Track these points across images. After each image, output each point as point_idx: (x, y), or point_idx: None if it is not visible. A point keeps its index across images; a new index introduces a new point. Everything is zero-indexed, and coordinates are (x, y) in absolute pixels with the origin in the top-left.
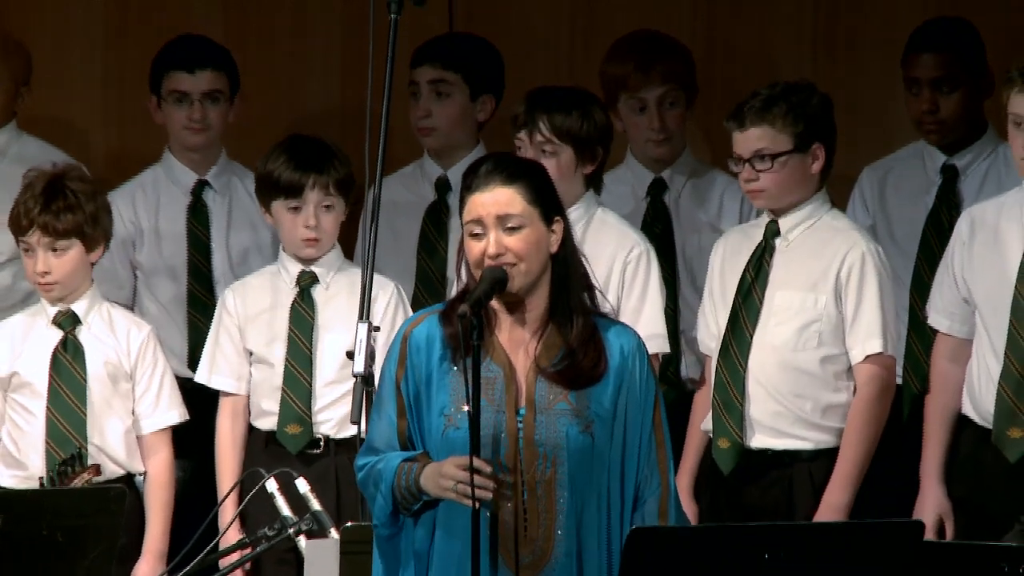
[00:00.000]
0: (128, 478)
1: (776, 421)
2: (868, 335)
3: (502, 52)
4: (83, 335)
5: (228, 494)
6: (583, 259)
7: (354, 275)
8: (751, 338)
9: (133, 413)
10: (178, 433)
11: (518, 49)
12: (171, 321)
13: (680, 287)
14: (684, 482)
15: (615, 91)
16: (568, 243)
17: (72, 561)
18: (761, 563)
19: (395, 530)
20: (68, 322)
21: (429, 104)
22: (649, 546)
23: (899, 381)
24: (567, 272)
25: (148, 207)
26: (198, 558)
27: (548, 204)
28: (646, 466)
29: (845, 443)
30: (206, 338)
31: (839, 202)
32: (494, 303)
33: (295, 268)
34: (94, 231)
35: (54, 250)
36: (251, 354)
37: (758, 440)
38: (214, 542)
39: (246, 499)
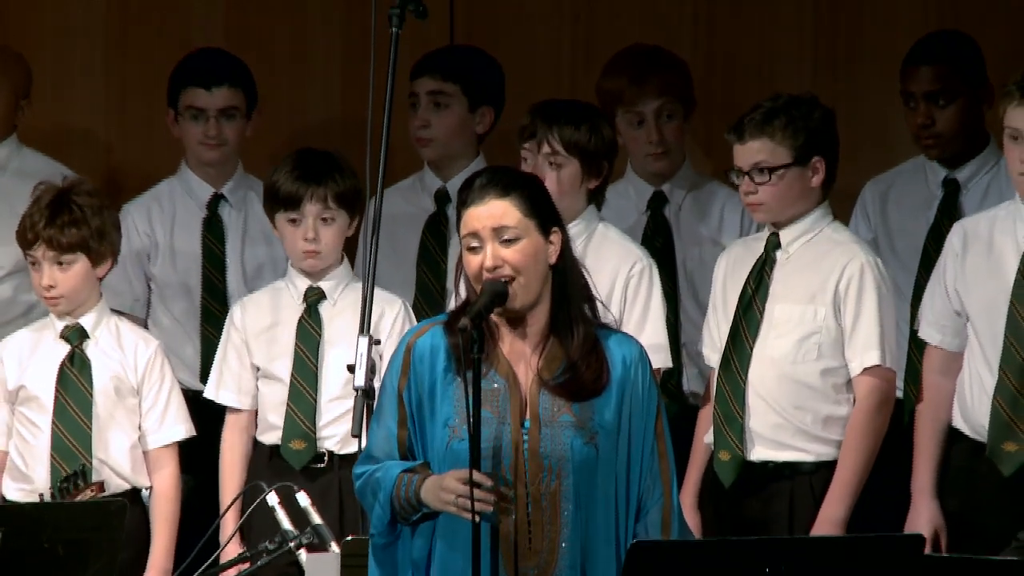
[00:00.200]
0: (134, 493)
1: (777, 433)
2: (866, 347)
3: (503, 65)
4: (90, 349)
5: (228, 507)
6: (583, 270)
7: (360, 291)
8: (751, 350)
9: (140, 428)
10: (187, 447)
11: (519, 62)
12: (184, 334)
13: (681, 300)
14: (688, 494)
15: (612, 106)
16: (567, 254)
17: (73, 574)
18: None
19: (392, 539)
20: (75, 336)
21: (427, 114)
22: (650, 560)
23: (899, 394)
24: (567, 283)
25: (163, 220)
26: (199, 572)
27: (544, 215)
28: (648, 476)
29: (843, 456)
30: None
31: (841, 215)
32: (495, 316)
33: (302, 284)
34: (100, 246)
35: (60, 264)
36: (258, 369)
37: (759, 452)
38: (214, 556)
39: (247, 513)
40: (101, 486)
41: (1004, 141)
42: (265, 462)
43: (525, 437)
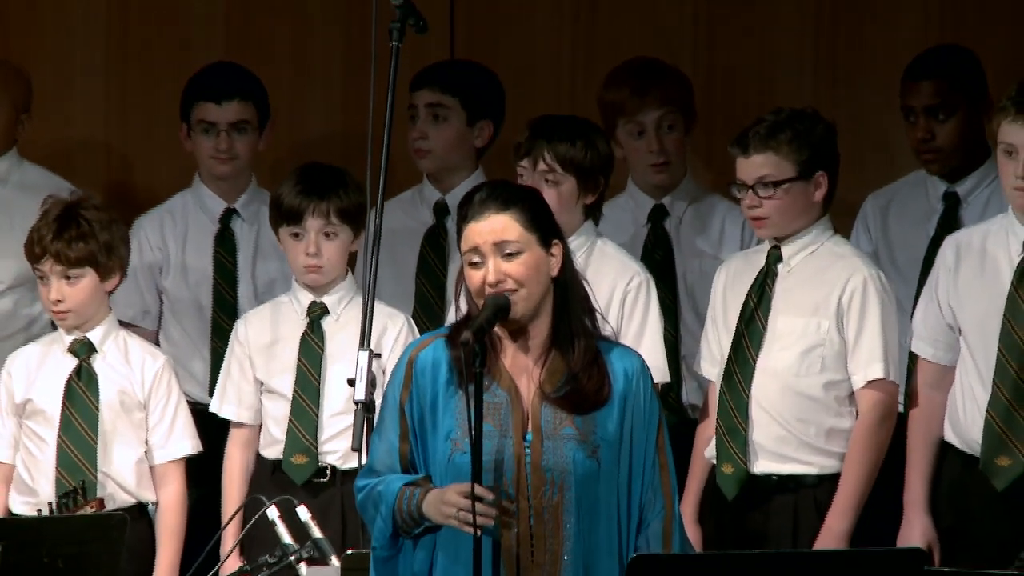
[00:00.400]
0: (140, 507)
1: (780, 446)
2: (870, 360)
3: (503, 80)
4: (98, 364)
5: (228, 521)
6: (584, 282)
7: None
8: (754, 363)
9: (146, 443)
10: (193, 460)
11: (519, 77)
12: (194, 348)
13: (681, 313)
14: (688, 508)
15: (613, 117)
16: (568, 266)
17: None
18: None
19: (394, 552)
20: (83, 350)
21: (426, 127)
22: (651, 573)
23: (900, 408)
24: (568, 295)
25: (176, 234)
26: None
27: (545, 228)
28: (650, 489)
29: (847, 469)
30: None
31: (842, 227)
32: (497, 329)
33: (306, 299)
34: (108, 260)
35: (67, 278)
36: (261, 384)
37: (762, 465)
38: (214, 570)
39: (247, 526)
40: (101, 502)
41: (998, 156)
42: (268, 476)
43: (527, 450)
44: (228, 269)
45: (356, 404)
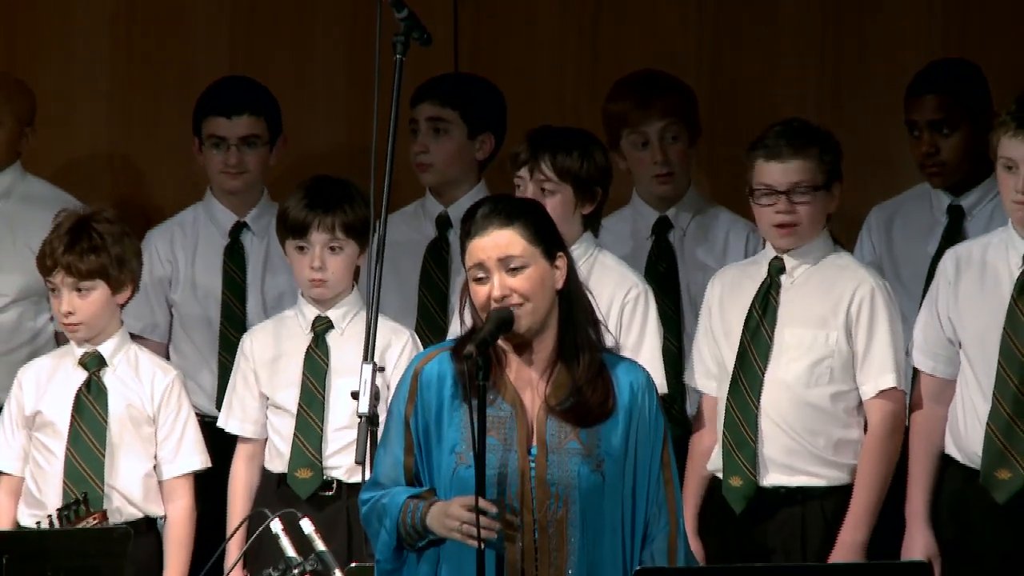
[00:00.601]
0: (148, 521)
1: (789, 458)
2: (882, 370)
3: (506, 93)
4: (108, 377)
5: (232, 535)
6: (588, 294)
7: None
8: (762, 375)
9: (155, 457)
10: (199, 473)
11: (522, 90)
12: (203, 361)
13: (684, 325)
14: (688, 522)
15: (617, 129)
16: (573, 279)
17: None
18: None
19: (397, 565)
20: (93, 363)
21: (427, 140)
22: None
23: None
24: (573, 308)
25: (186, 247)
26: None
27: (549, 241)
28: (654, 503)
29: (860, 480)
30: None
31: (847, 239)
32: (502, 342)
33: (311, 313)
34: (120, 273)
35: (79, 291)
36: (267, 398)
37: (771, 478)
38: None
39: (251, 539)
40: (104, 514)
41: (998, 170)
42: (273, 490)
43: (532, 464)
44: (237, 282)
45: (359, 417)
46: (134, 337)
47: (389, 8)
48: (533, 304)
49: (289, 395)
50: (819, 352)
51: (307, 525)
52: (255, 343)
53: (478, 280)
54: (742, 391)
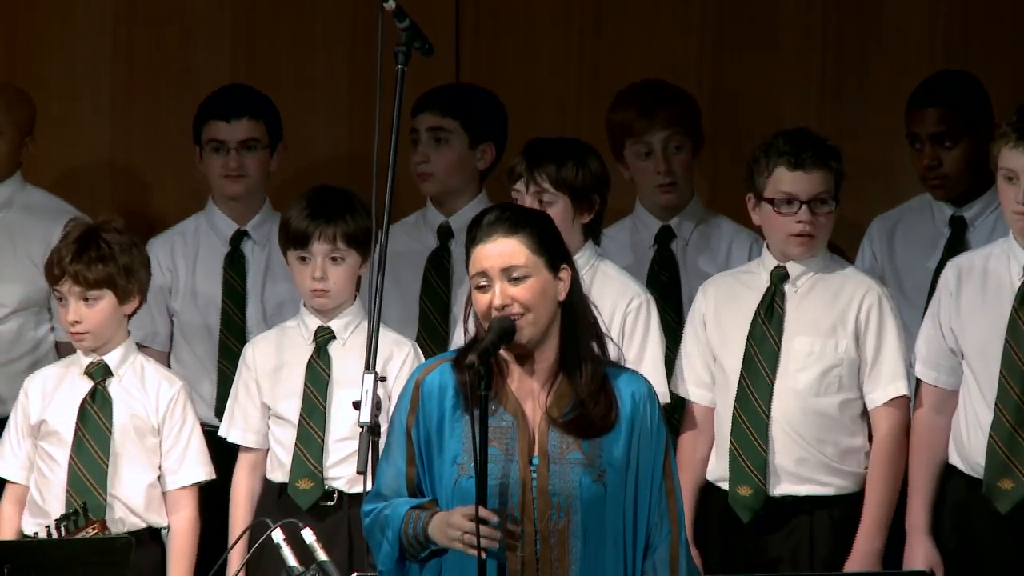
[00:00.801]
0: (153, 532)
1: (799, 467)
2: (893, 377)
3: (508, 101)
4: (113, 387)
5: (233, 545)
6: (592, 307)
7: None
8: (771, 384)
9: (160, 468)
10: (202, 483)
11: (524, 99)
12: (203, 370)
13: None
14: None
15: (621, 138)
16: (576, 291)
17: None
18: None
19: None
20: (99, 373)
21: (427, 150)
22: None
23: None
24: (576, 320)
25: (186, 255)
26: None
27: (553, 252)
28: (656, 513)
29: (874, 487)
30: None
31: (845, 249)
32: (504, 353)
33: (313, 323)
34: (127, 283)
35: (86, 300)
36: (268, 408)
37: (781, 487)
38: None
39: (252, 549)
40: (104, 524)
41: (999, 181)
42: (274, 500)
43: (534, 474)
44: (237, 291)
45: (361, 427)
46: (140, 350)
47: (391, 18)
48: (534, 315)
49: (290, 405)
50: (829, 360)
51: (309, 535)
52: (257, 353)
53: (480, 288)
54: (751, 400)
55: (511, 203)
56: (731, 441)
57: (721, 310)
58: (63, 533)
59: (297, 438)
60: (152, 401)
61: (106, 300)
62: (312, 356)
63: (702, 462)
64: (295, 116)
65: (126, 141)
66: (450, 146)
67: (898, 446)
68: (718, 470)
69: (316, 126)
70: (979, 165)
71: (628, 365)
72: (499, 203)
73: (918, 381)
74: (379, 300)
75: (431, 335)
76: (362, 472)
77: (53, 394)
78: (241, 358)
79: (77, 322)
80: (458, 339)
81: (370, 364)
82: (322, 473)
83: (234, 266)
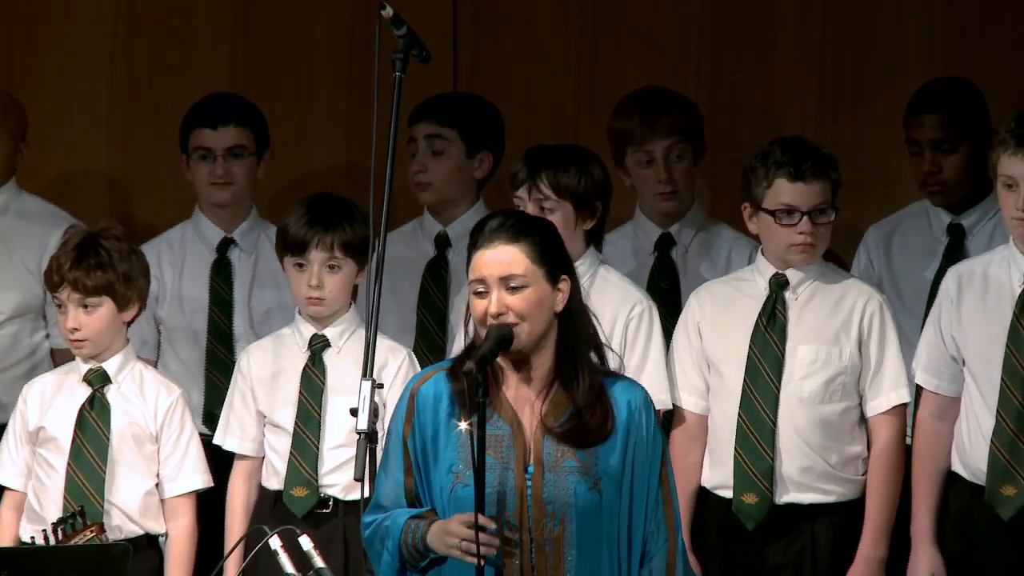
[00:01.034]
0: (151, 539)
1: (804, 475)
2: (895, 385)
3: (506, 109)
4: (112, 394)
5: (230, 552)
6: (592, 318)
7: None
8: (777, 392)
9: (157, 476)
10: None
11: (522, 106)
12: (191, 378)
13: None
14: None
15: (622, 146)
16: (575, 302)
17: None
18: None
19: None
20: (98, 380)
21: (425, 159)
22: None
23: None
24: (574, 332)
25: (173, 263)
26: None
27: (554, 263)
28: (652, 521)
29: (877, 494)
30: (223, 395)
31: (845, 254)
32: (500, 360)
33: (308, 331)
34: (127, 290)
35: (85, 307)
36: (263, 416)
37: (786, 495)
38: None
39: (249, 556)
40: (101, 527)
41: (998, 189)
42: (270, 507)
43: (529, 482)
44: (224, 298)
45: (358, 434)
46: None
47: (388, 25)
48: (528, 324)
49: (285, 413)
50: (834, 368)
51: (306, 542)
52: (252, 361)
53: (478, 294)
54: (756, 408)
55: (515, 210)
56: (736, 449)
57: (718, 317)
58: (60, 536)
59: (292, 446)
60: (150, 408)
61: (105, 307)
62: (307, 364)
63: (696, 467)
64: (293, 125)
65: (124, 149)
66: (448, 155)
67: (899, 454)
68: (715, 477)
69: (314, 133)
70: (977, 172)
71: (630, 372)
72: (504, 209)
73: (920, 388)
74: (376, 308)
75: (428, 344)
76: (359, 479)
77: (52, 401)
78: (236, 366)
79: (76, 329)
80: (456, 349)
81: (367, 371)
82: (317, 481)
83: (221, 273)
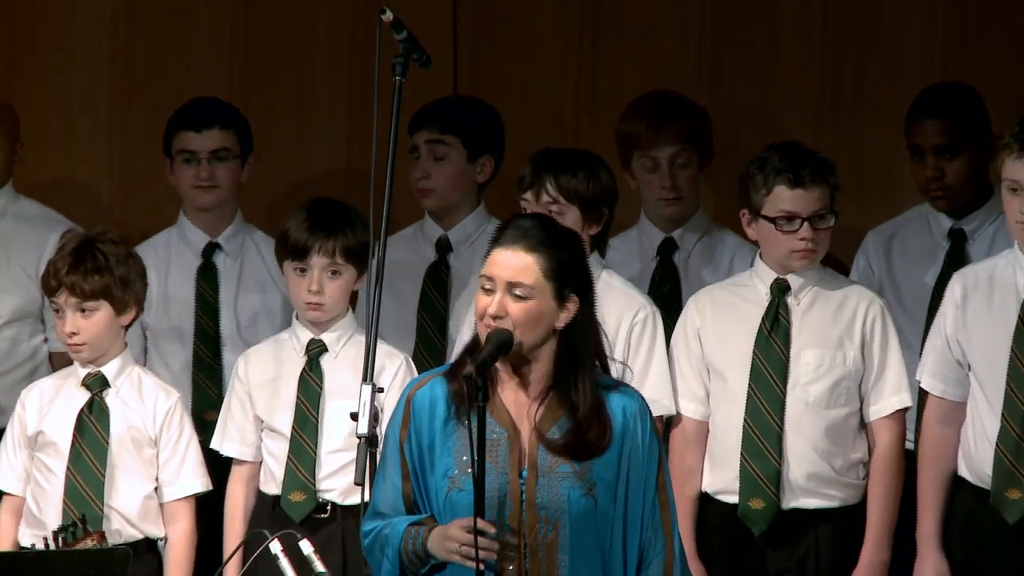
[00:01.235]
0: (150, 543)
1: (810, 480)
2: (897, 389)
3: (506, 112)
4: (110, 398)
5: (231, 556)
6: (603, 337)
7: (364, 344)
8: (783, 397)
9: (156, 480)
10: (197, 495)
11: (522, 111)
12: (176, 382)
13: None
14: (688, 545)
15: (629, 149)
16: (581, 323)
17: None
18: None
19: None
20: (96, 384)
21: (428, 166)
22: None
23: (912, 446)
24: (574, 350)
25: (159, 268)
26: None
27: (565, 281)
28: (649, 528)
29: (879, 498)
30: (210, 399)
31: (846, 258)
32: (499, 363)
33: (305, 336)
34: (124, 294)
35: (82, 311)
36: (261, 421)
37: (792, 500)
38: None
39: (249, 560)
40: (102, 535)
41: (1003, 193)
42: (268, 512)
43: (523, 487)
44: (210, 302)
45: (359, 438)
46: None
47: (388, 29)
48: (520, 333)
49: (283, 418)
50: (838, 372)
51: (306, 546)
52: (249, 366)
53: (485, 289)
54: (763, 413)
55: (550, 218)
56: (742, 454)
57: (719, 322)
58: (61, 544)
59: (290, 450)
60: (149, 412)
61: (103, 311)
62: (304, 369)
63: (697, 473)
64: (293, 129)
65: (123, 149)
66: (450, 161)
67: (900, 457)
68: (717, 482)
69: (314, 138)
70: (979, 176)
71: (634, 376)
72: (539, 214)
73: (925, 393)
74: (377, 312)
75: (428, 349)
76: (360, 483)
77: (50, 405)
78: (234, 371)
79: (74, 333)
80: (455, 355)
81: (368, 375)
82: (315, 485)
83: (206, 278)
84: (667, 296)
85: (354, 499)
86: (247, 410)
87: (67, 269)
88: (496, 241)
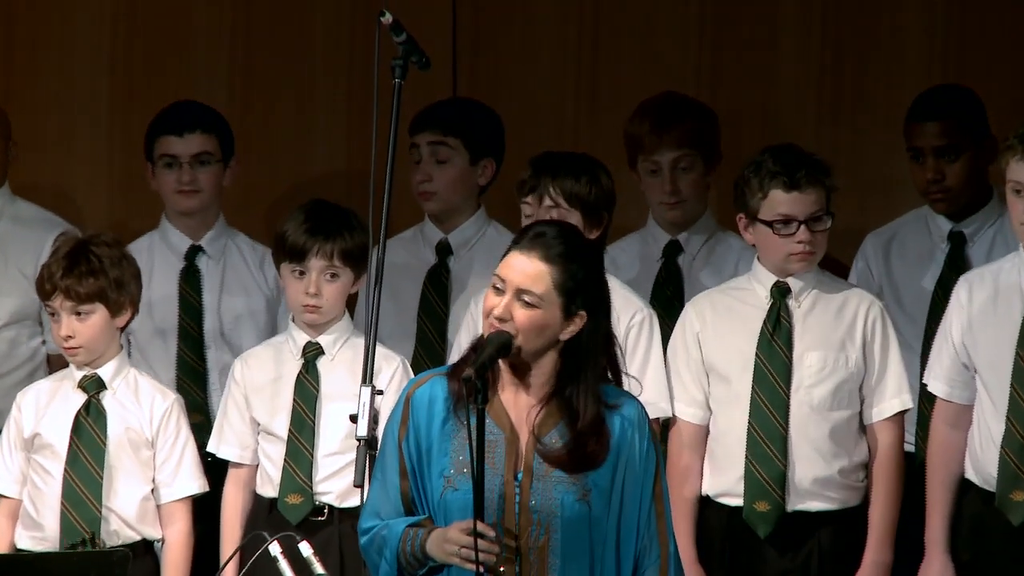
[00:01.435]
0: (147, 544)
1: (814, 482)
2: (898, 391)
3: (505, 116)
4: (107, 400)
5: (229, 559)
6: (617, 351)
7: (360, 346)
8: (787, 399)
9: (153, 481)
10: (194, 497)
11: (521, 113)
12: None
13: None
14: (688, 551)
15: (634, 151)
16: (587, 337)
17: None
18: None
19: None
20: (93, 386)
21: (429, 169)
22: None
23: (912, 448)
24: (579, 364)
25: (142, 272)
26: None
27: (576, 296)
28: (645, 536)
29: (882, 500)
30: (194, 401)
31: (845, 259)
32: (500, 364)
33: (301, 339)
34: (119, 296)
35: (78, 314)
36: (258, 424)
37: (797, 502)
38: None
39: (249, 563)
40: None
41: (1007, 195)
42: (265, 515)
43: (517, 490)
44: (193, 305)
45: (358, 440)
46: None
47: (387, 32)
48: (522, 339)
49: (280, 421)
50: (841, 375)
51: (306, 548)
52: (246, 369)
53: (495, 288)
54: (767, 416)
55: (574, 228)
56: (747, 457)
57: (719, 326)
58: None
59: (286, 453)
60: (146, 414)
61: (98, 314)
62: (300, 371)
63: (696, 477)
64: (293, 132)
65: (123, 149)
66: (452, 164)
67: (900, 459)
68: (718, 485)
69: (314, 140)
70: (978, 179)
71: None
72: (565, 223)
73: (932, 397)
74: (376, 314)
75: (428, 352)
76: (359, 485)
77: (46, 408)
78: (230, 374)
79: (70, 337)
80: (454, 358)
81: (367, 377)
82: (312, 488)
83: (189, 281)
84: (670, 298)
85: (351, 502)
86: (243, 413)
87: (61, 273)
88: (516, 243)
